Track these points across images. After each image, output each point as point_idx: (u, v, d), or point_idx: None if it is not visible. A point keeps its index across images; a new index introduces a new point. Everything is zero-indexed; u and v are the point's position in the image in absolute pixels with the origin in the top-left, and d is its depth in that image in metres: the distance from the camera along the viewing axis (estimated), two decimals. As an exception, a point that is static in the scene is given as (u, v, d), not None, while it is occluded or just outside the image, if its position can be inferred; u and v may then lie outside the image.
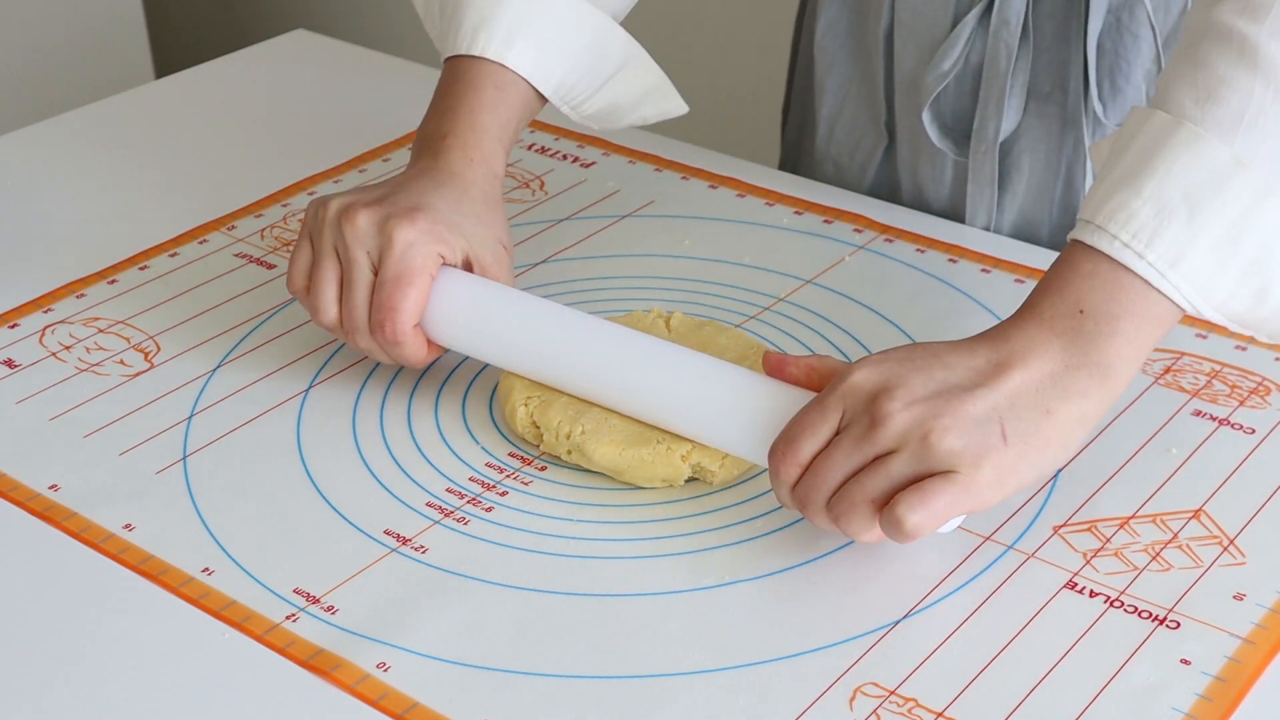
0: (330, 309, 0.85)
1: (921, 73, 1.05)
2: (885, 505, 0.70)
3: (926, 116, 1.04)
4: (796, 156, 1.21)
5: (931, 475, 0.70)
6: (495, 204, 0.90)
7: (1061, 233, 1.07)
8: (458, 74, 0.93)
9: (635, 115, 1.02)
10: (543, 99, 0.96)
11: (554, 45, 0.94)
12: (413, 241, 0.84)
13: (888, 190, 1.13)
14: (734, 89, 2.20)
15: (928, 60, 1.05)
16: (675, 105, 1.03)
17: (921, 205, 1.10)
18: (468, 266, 0.87)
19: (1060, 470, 0.81)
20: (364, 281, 0.84)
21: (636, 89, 1.01)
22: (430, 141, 0.91)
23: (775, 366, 0.78)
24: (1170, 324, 0.74)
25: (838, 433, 0.73)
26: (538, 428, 0.83)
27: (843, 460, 0.72)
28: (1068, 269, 0.74)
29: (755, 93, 1.97)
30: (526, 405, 0.84)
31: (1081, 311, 0.72)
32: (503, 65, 0.92)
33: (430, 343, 0.86)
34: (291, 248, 1.03)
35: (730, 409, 0.78)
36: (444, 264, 0.86)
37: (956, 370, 0.72)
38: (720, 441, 0.79)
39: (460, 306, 0.85)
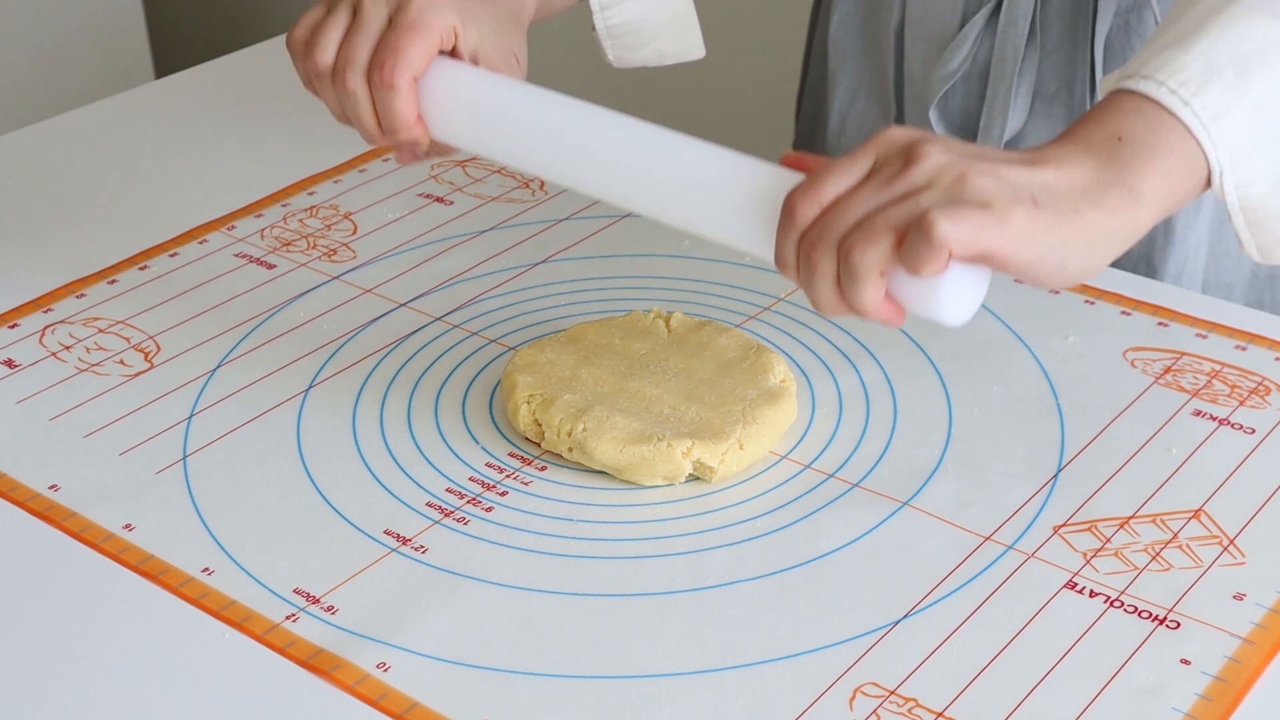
0: (328, 50, 0.82)
1: (930, 70, 1.05)
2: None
3: (934, 115, 1.05)
4: (809, 148, 1.21)
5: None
6: (519, 22, 0.88)
7: None
8: None
9: (654, 47, 1.01)
10: None
11: None
12: (433, 2, 0.81)
13: None
14: (747, 80, 2.21)
15: (936, 58, 1.05)
16: (694, 45, 1.03)
17: None
18: (474, 63, 0.84)
19: (1060, 469, 0.81)
20: (374, 26, 0.81)
21: (663, 11, 1.00)
22: None
23: (795, 161, 0.73)
24: (1198, 184, 0.72)
25: (868, 178, 0.68)
26: (540, 426, 0.83)
27: (870, 195, 0.67)
28: (1109, 107, 0.73)
29: (769, 84, 1.97)
30: (529, 403, 0.84)
31: (1120, 139, 0.71)
32: None
33: (417, 119, 0.81)
34: (288, 247, 1.03)
35: (742, 192, 0.72)
36: (455, 43, 0.82)
37: (994, 151, 0.70)
38: (732, 227, 0.73)
39: (457, 90, 0.81)
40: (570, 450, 0.82)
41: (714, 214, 0.73)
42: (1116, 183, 0.70)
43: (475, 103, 0.81)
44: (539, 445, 0.84)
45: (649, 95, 2.32)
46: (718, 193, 0.72)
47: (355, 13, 0.82)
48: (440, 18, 0.81)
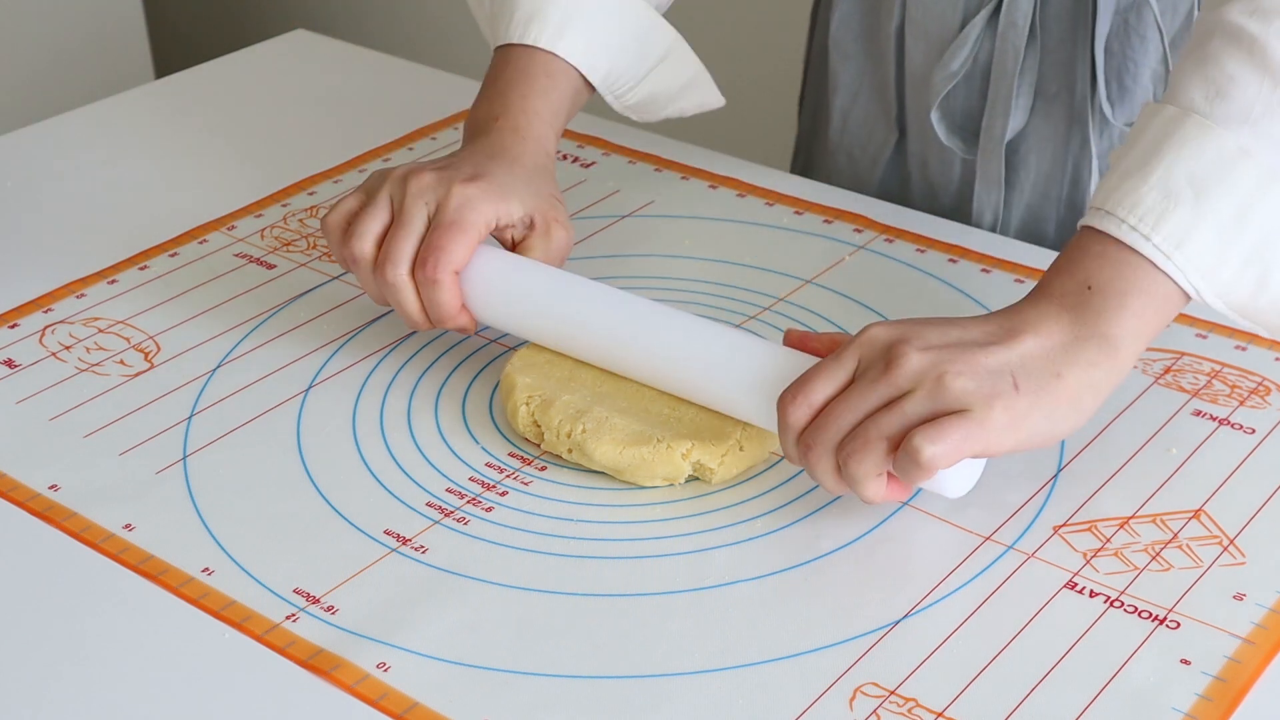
0: (366, 240, 0.86)
1: (931, 71, 1.06)
2: (898, 446, 0.71)
3: (935, 115, 1.05)
4: (810, 147, 1.21)
5: (946, 414, 0.71)
6: (548, 172, 0.92)
7: (1068, 231, 1.07)
8: (509, 61, 0.95)
9: (673, 107, 1.04)
10: (590, 88, 0.98)
11: (602, 36, 0.96)
12: (471, 197, 0.86)
13: (898, 183, 1.14)
14: (749, 80, 2.21)
15: (937, 59, 1.05)
16: (713, 98, 1.06)
17: (930, 200, 1.11)
18: (528, 224, 0.89)
19: (1060, 469, 0.81)
20: (417, 225, 0.86)
21: (677, 81, 1.03)
22: (482, 124, 0.93)
23: (798, 341, 0.80)
24: (1175, 308, 0.75)
25: (852, 381, 0.74)
26: (539, 427, 0.83)
27: (857, 401, 0.73)
28: (1077, 251, 0.76)
29: (770, 85, 1.97)
30: (528, 404, 0.84)
31: (1090, 288, 0.74)
32: (554, 54, 0.95)
33: (462, 307, 0.87)
34: (288, 247, 1.03)
35: (751, 375, 0.78)
36: (498, 227, 0.88)
37: (971, 331, 0.74)
38: (742, 407, 0.80)
39: (494, 276, 0.86)
40: (570, 451, 0.82)
41: (727, 396, 0.80)
42: (1093, 335, 0.74)
43: (510, 292, 0.87)
44: (539, 446, 0.84)
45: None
46: (730, 377, 0.80)
47: (395, 208, 0.87)
48: (479, 214, 0.86)
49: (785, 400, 0.74)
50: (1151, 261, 0.74)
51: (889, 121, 1.12)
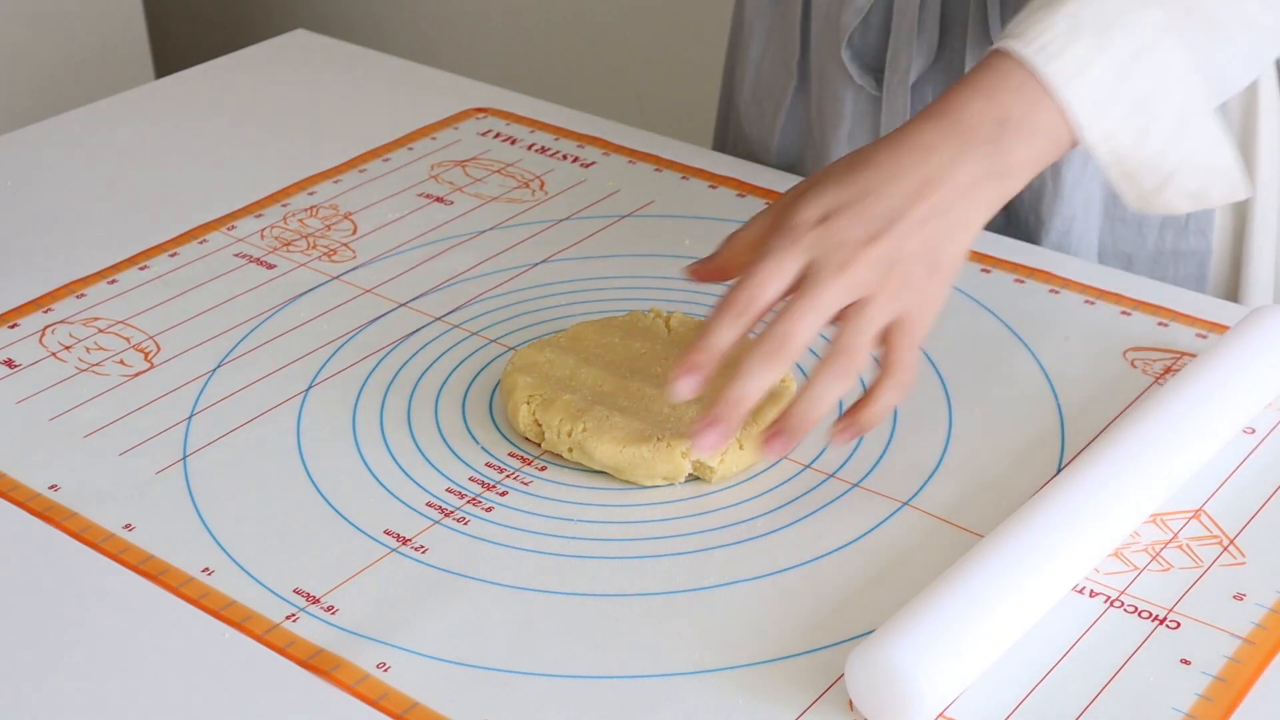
0: None
1: (837, 11, 1.06)
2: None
3: (845, 54, 1.05)
4: (727, 111, 1.22)
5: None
6: None
7: None
8: None
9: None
10: None
11: None
12: None
13: (798, 133, 1.14)
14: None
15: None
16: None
17: (824, 145, 1.10)
18: None
19: (1060, 468, 0.81)
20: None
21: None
22: None
23: (704, 272, 0.82)
24: (1066, 143, 0.78)
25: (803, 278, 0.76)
26: (539, 426, 0.83)
27: (822, 314, 0.75)
28: (992, 75, 0.79)
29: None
30: (529, 404, 0.84)
31: (1002, 122, 0.77)
32: None
33: None
34: (288, 247, 1.03)
35: None
36: None
37: (892, 195, 0.76)
38: None
39: None
40: (570, 450, 0.82)
41: None
42: (998, 173, 0.77)
43: None
44: (539, 445, 0.84)
45: (649, 95, 2.33)
46: None
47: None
48: None
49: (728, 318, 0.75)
50: (1050, 88, 0.76)
51: (790, 69, 1.12)
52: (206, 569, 0.76)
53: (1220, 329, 0.92)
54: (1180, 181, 0.80)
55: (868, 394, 0.78)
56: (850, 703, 0.68)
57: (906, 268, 0.75)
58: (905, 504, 0.80)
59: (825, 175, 0.78)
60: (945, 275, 0.77)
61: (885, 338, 0.77)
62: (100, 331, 0.95)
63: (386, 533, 0.79)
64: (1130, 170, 0.80)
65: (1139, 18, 0.78)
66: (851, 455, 0.83)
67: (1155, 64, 0.78)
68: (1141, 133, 0.78)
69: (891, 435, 0.85)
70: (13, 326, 0.96)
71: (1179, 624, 0.72)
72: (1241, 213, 1.07)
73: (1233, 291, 1.07)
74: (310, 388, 0.90)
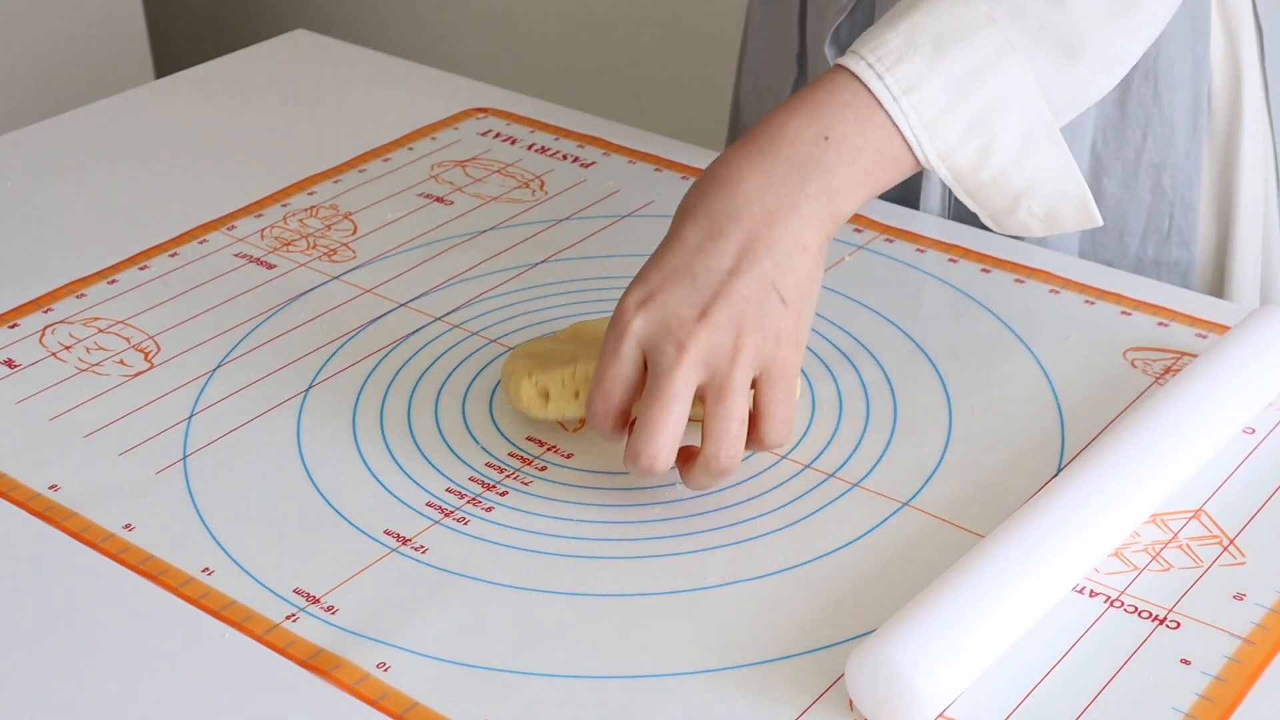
0: None
1: (824, 5, 1.06)
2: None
3: (828, 49, 1.05)
4: (737, 104, 1.22)
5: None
6: None
7: None
8: None
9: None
10: None
11: None
12: None
13: None
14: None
15: None
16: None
17: None
18: None
19: (1060, 468, 0.81)
20: None
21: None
22: None
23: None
24: (902, 172, 0.77)
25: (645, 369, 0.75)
26: (544, 398, 0.82)
27: (682, 405, 0.74)
28: (823, 91, 0.77)
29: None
30: (530, 375, 0.83)
31: (827, 138, 0.76)
32: None
33: None
34: (288, 247, 1.03)
35: None
36: None
37: (717, 260, 0.75)
38: None
39: None
40: (577, 394, 0.81)
41: None
42: (821, 192, 0.75)
43: None
44: (540, 444, 0.84)
45: (649, 95, 2.33)
46: None
47: None
48: None
49: (605, 424, 0.76)
50: (880, 103, 0.75)
51: (788, 61, 1.12)
52: (206, 569, 0.76)
53: (1220, 329, 0.92)
54: (1029, 204, 0.79)
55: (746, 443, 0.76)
56: (850, 703, 0.68)
57: (751, 317, 0.74)
58: (905, 504, 0.80)
59: (650, 260, 0.77)
60: (797, 303, 0.75)
61: (754, 386, 0.75)
62: (100, 331, 0.95)
63: (386, 533, 0.79)
64: (973, 190, 0.78)
65: (981, 35, 0.76)
66: (851, 455, 0.83)
67: (996, 82, 0.76)
68: (982, 152, 0.77)
69: (891, 435, 0.85)
70: (13, 326, 0.96)
71: (1179, 624, 0.72)
72: (1226, 225, 1.07)
73: None
74: (310, 388, 0.90)
